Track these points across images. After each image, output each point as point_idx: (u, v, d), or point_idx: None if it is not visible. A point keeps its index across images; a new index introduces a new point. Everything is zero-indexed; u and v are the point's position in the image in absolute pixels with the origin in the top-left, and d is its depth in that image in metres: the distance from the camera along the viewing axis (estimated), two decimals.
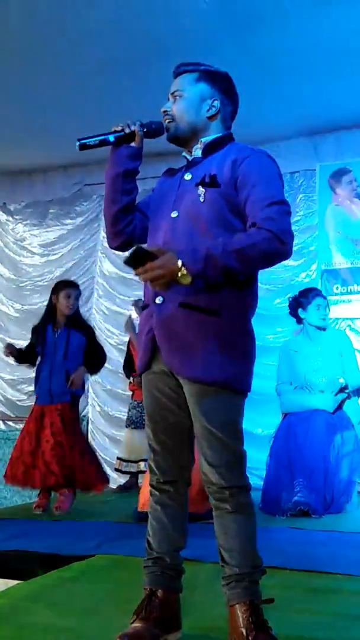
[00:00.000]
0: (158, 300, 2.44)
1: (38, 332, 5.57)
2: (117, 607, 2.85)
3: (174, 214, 2.48)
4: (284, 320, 6.28)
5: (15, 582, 3.51)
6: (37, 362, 5.60)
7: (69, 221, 8.31)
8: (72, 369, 5.49)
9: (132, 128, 2.55)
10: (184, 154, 2.65)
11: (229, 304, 2.42)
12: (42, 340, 5.53)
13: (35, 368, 5.63)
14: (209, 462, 2.39)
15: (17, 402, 8.22)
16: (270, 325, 6.63)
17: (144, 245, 2.36)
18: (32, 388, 7.94)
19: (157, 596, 2.45)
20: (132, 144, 2.57)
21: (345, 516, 5.11)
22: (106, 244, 7.62)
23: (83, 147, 2.53)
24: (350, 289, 6.63)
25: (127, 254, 2.29)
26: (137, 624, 2.38)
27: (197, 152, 2.58)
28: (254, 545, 2.41)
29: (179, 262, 2.25)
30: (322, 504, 5.06)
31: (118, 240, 2.65)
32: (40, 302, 7.38)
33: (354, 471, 5.36)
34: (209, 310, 2.39)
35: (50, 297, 5.64)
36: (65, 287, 5.65)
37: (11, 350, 5.60)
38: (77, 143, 2.53)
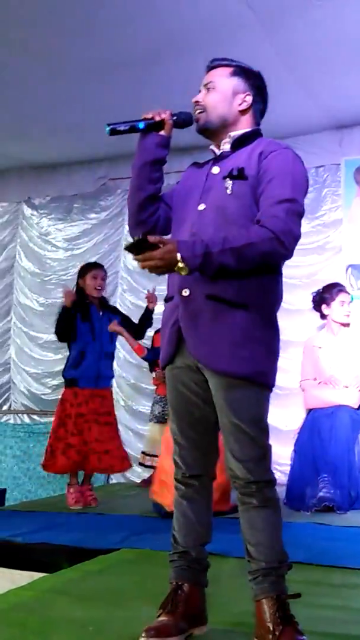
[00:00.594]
0: (184, 292, 2.43)
1: (85, 309, 5.50)
2: (142, 601, 2.85)
3: (201, 207, 2.48)
4: (308, 315, 6.26)
5: (41, 574, 3.54)
6: (78, 345, 5.52)
7: (93, 215, 8.32)
8: (114, 352, 5.64)
9: (163, 116, 2.52)
10: (211, 147, 2.64)
11: (256, 298, 2.42)
12: (89, 320, 5.49)
13: (72, 350, 5.57)
14: (235, 456, 2.39)
15: (42, 396, 8.25)
16: (293, 320, 6.60)
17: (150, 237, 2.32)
18: (56, 382, 8.04)
19: (183, 590, 2.46)
20: (162, 133, 2.55)
21: None
22: (131, 239, 7.73)
23: (113, 132, 2.49)
24: None
25: (129, 241, 2.30)
26: (163, 618, 2.39)
27: (226, 146, 2.58)
28: (280, 540, 2.41)
29: (178, 256, 2.26)
30: (347, 500, 5.04)
31: (141, 229, 2.62)
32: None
33: None
34: (237, 304, 2.39)
35: (77, 282, 5.62)
36: (92, 268, 5.66)
37: (70, 297, 5.49)
38: (107, 128, 2.49)
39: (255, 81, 2.61)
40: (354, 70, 5.77)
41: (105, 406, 5.52)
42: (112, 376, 5.75)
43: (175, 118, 2.54)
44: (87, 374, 5.48)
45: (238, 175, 2.46)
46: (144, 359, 6.39)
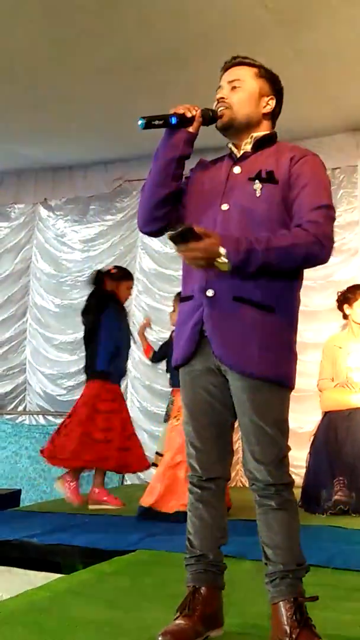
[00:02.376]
0: (209, 293, 2.41)
1: (122, 307, 5.68)
2: (158, 602, 2.85)
3: (224, 207, 2.46)
4: (324, 317, 6.25)
5: (57, 575, 3.54)
6: (114, 340, 5.57)
7: (109, 217, 8.33)
8: None
9: (194, 113, 2.49)
10: (229, 145, 2.61)
11: (282, 301, 2.43)
12: (127, 318, 5.72)
13: (109, 344, 5.58)
14: (256, 458, 2.39)
15: (57, 397, 8.27)
16: (309, 322, 6.58)
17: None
18: (71, 383, 8.06)
19: (200, 593, 2.46)
20: (190, 129, 2.51)
21: None
22: (146, 240, 7.77)
23: (148, 125, 2.44)
24: None
25: (174, 231, 2.26)
26: (180, 621, 2.39)
27: (247, 146, 2.56)
28: (298, 543, 2.41)
29: (222, 250, 2.26)
30: None
31: (155, 226, 2.62)
32: (79, 297, 7.40)
33: None
34: (265, 306, 2.39)
35: (105, 282, 5.70)
36: (130, 279, 5.81)
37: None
38: (142, 121, 2.43)
39: (277, 85, 2.62)
40: None
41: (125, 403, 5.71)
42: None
43: (204, 115, 2.51)
44: (120, 372, 5.63)
45: (267, 178, 2.45)
46: (150, 359, 6.39)
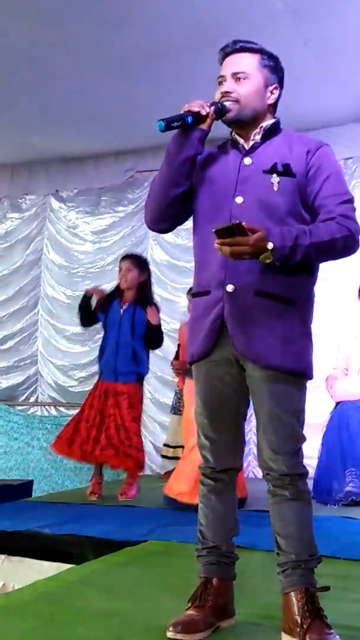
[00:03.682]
0: (229, 288, 2.39)
1: (103, 303, 5.48)
2: (169, 593, 2.86)
3: (238, 200, 2.44)
4: (332, 309, 6.23)
5: (68, 566, 3.55)
6: (102, 337, 5.55)
7: (120, 208, 8.32)
8: (139, 348, 5.43)
9: (207, 110, 2.44)
10: (235, 136, 2.57)
11: (302, 294, 2.45)
12: (105, 312, 5.47)
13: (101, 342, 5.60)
14: (273, 449, 2.39)
15: (69, 388, 8.28)
16: (320, 313, 6.53)
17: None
18: (83, 374, 8.08)
19: (212, 584, 2.46)
20: (203, 127, 2.47)
21: None
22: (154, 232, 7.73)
23: (167, 128, 2.39)
24: None
25: (224, 225, 2.25)
26: (191, 612, 2.39)
27: (257, 137, 2.52)
28: (311, 533, 2.40)
29: (270, 245, 2.26)
30: None
31: (167, 224, 2.61)
32: None
33: None
34: (287, 300, 2.40)
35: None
36: (120, 261, 5.63)
37: (99, 294, 5.52)
38: (162, 124, 2.38)
39: (280, 72, 2.57)
40: None
41: (120, 400, 5.39)
42: (135, 371, 5.47)
43: (216, 111, 2.46)
44: (106, 366, 5.46)
45: (285, 171, 2.43)
46: None
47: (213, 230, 2.26)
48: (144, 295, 5.51)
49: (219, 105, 2.47)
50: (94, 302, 5.50)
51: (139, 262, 5.60)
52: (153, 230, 2.69)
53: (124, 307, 5.45)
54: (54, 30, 5.45)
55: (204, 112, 2.43)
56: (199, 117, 2.43)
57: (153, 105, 6.46)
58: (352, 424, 5.25)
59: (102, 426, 5.30)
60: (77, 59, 5.85)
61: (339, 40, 5.46)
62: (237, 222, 2.23)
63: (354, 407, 5.32)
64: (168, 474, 6.49)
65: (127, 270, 5.47)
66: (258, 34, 2.60)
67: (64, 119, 7.08)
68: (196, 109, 2.43)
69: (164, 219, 2.59)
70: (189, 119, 2.42)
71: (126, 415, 5.34)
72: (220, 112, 2.47)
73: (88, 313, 5.52)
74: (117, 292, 5.52)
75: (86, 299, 5.52)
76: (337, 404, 5.47)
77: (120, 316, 5.43)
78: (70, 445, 5.31)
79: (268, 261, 2.28)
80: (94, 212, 8.47)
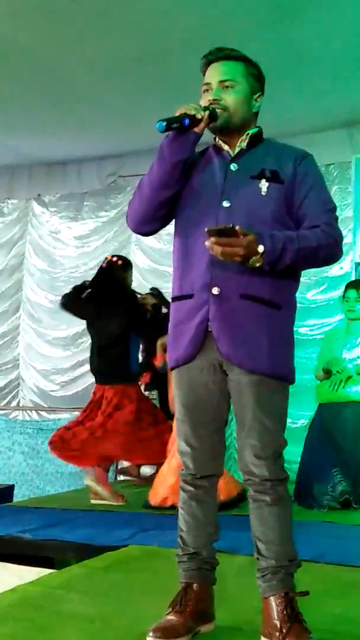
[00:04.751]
0: (215, 290, 2.39)
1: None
2: (150, 598, 2.85)
3: (225, 204, 2.44)
4: (316, 312, 6.27)
5: (49, 570, 3.54)
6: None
7: (103, 213, 8.32)
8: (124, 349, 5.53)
9: (202, 114, 2.42)
10: (219, 142, 2.57)
11: (287, 298, 2.47)
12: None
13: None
14: (255, 454, 2.39)
15: (50, 393, 8.27)
16: (303, 318, 6.59)
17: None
18: (64, 379, 8.10)
19: (192, 590, 2.46)
20: (196, 130, 2.44)
21: None
22: (141, 237, 7.75)
23: (167, 128, 2.37)
24: None
25: (217, 226, 2.26)
26: (171, 617, 2.40)
27: (243, 144, 2.53)
28: (291, 538, 2.41)
29: (261, 248, 2.27)
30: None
31: (150, 226, 2.60)
32: None
33: None
34: (272, 304, 2.41)
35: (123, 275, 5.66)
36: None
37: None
38: (162, 124, 2.35)
39: (263, 80, 2.58)
40: None
41: (106, 402, 5.43)
42: (110, 373, 5.50)
43: (210, 116, 2.45)
44: (93, 371, 5.60)
45: (273, 178, 2.45)
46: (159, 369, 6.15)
47: (206, 229, 2.26)
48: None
49: (211, 110, 2.46)
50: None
51: (129, 263, 5.80)
52: (136, 232, 2.66)
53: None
54: (37, 38, 5.45)
55: (199, 116, 2.41)
56: (195, 121, 2.42)
57: (135, 111, 6.50)
58: (333, 427, 5.27)
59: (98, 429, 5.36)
60: (60, 65, 5.84)
61: (319, 46, 5.49)
62: (232, 224, 2.23)
63: (335, 409, 5.33)
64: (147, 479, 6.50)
65: None
66: (238, 41, 2.61)
67: (47, 123, 7.08)
68: (193, 112, 2.41)
69: (150, 220, 2.57)
70: (186, 122, 2.40)
71: (120, 416, 5.42)
72: (211, 117, 2.45)
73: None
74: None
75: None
76: (319, 405, 5.49)
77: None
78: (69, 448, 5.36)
79: (257, 264, 2.29)
80: (77, 217, 8.47)
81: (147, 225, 2.60)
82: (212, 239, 2.25)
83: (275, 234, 2.34)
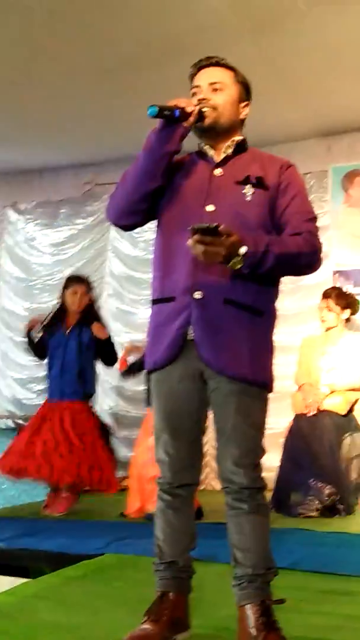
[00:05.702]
0: (197, 295, 2.39)
1: (50, 330, 5.53)
2: (125, 606, 2.85)
3: (209, 208, 2.45)
4: (293, 320, 6.27)
5: (23, 580, 3.51)
6: (47, 360, 5.59)
7: (79, 221, 8.30)
8: (86, 366, 5.51)
9: (193, 108, 2.43)
10: (204, 148, 2.58)
11: (269, 305, 2.48)
12: (52, 335, 5.52)
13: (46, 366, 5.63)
14: (235, 462, 2.39)
15: (26, 401, 8.21)
16: (280, 325, 6.58)
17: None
18: (41, 387, 8.00)
19: (168, 598, 2.45)
20: (185, 124, 2.45)
21: (355, 518, 5.09)
22: (116, 244, 7.75)
23: (158, 114, 2.36)
24: None
25: (202, 225, 2.24)
26: (147, 626, 2.38)
27: (229, 150, 2.55)
28: (268, 546, 2.42)
29: (242, 250, 2.27)
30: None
31: (133, 219, 2.58)
32: (49, 301, 7.36)
33: None
34: (256, 310, 2.41)
35: (62, 293, 5.61)
36: (72, 283, 5.63)
37: (34, 324, 5.58)
38: (154, 109, 2.34)
39: (250, 92, 2.62)
40: (342, 78, 5.79)
41: (66, 421, 5.40)
42: (81, 390, 5.56)
43: (199, 112, 2.46)
44: (52, 388, 5.54)
45: (258, 184, 2.47)
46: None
47: (190, 227, 2.24)
48: (90, 314, 5.60)
49: (200, 109, 2.47)
50: (37, 331, 5.59)
51: (89, 285, 5.73)
52: (116, 224, 2.63)
53: (69, 330, 5.52)
54: (12, 45, 5.43)
55: (189, 109, 2.42)
56: (185, 114, 2.42)
57: (112, 119, 6.50)
58: (309, 436, 5.28)
59: (59, 447, 5.28)
60: (35, 72, 5.82)
61: (298, 56, 5.52)
62: (216, 224, 2.22)
63: (310, 419, 5.35)
64: None
65: (83, 294, 5.59)
66: (216, 49, 2.62)
67: (24, 131, 7.05)
68: (183, 105, 2.41)
69: (131, 213, 2.56)
70: (177, 112, 2.40)
71: (70, 430, 5.36)
72: (200, 115, 2.46)
73: (35, 346, 5.65)
74: (60, 314, 5.57)
75: (28, 335, 5.64)
76: (295, 415, 5.50)
77: (66, 338, 5.50)
78: (25, 462, 5.26)
79: (238, 266, 2.29)
80: (53, 225, 8.44)
81: (127, 218, 2.58)
82: (195, 236, 2.23)
83: (258, 236, 2.35)
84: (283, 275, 2.52)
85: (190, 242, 2.25)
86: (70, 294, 5.55)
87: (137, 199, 2.51)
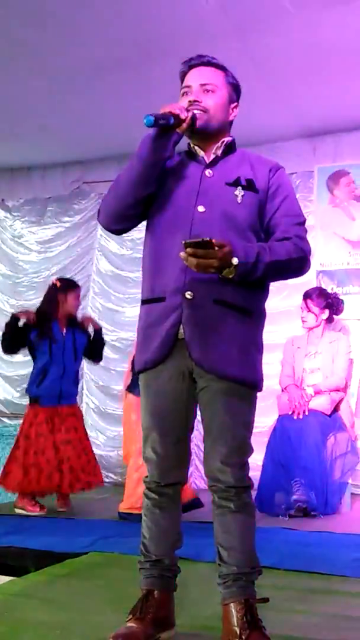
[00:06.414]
0: (188, 295, 2.40)
1: (45, 327, 5.39)
2: (110, 605, 2.86)
3: (200, 209, 2.46)
4: (278, 320, 6.30)
5: (9, 578, 3.52)
6: (40, 362, 5.45)
7: (66, 219, 8.28)
8: (79, 370, 5.62)
9: (186, 114, 2.43)
10: (195, 148, 2.58)
11: (259, 305, 2.51)
12: (47, 337, 5.38)
13: (36, 367, 5.48)
14: (222, 460, 2.41)
15: (12, 399, 8.20)
16: (265, 324, 6.60)
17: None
18: (25, 385, 7.98)
19: (153, 597, 2.47)
20: (178, 130, 2.45)
21: (338, 517, 5.12)
22: (104, 242, 7.75)
23: (154, 124, 2.35)
24: (346, 290, 6.62)
25: (196, 239, 2.25)
26: (132, 624, 2.40)
27: (218, 151, 2.56)
28: (253, 545, 2.44)
29: (235, 260, 2.29)
30: (321, 503, 5.08)
31: (123, 225, 2.59)
32: (35, 298, 7.34)
33: (347, 473, 5.38)
34: (245, 310, 2.44)
35: (56, 294, 5.50)
36: (75, 287, 5.63)
37: (28, 315, 5.43)
38: (150, 120, 2.33)
39: (239, 93, 2.64)
40: (328, 78, 5.80)
41: (69, 422, 5.42)
42: (76, 393, 5.66)
43: (192, 118, 2.46)
44: (50, 391, 5.39)
45: (248, 186, 2.48)
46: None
47: (183, 242, 2.26)
48: (75, 317, 5.62)
49: (192, 113, 2.47)
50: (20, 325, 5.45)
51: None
52: (107, 229, 2.64)
53: (64, 331, 5.47)
54: (2, 40, 5.43)
55: (183, 116, 2.42)
56: (179, 121, 2.42)
57: (101, 117, 6.50)
58: (293, 436, 5.30)
59: (60, 455, 5.27)
60: (24, 68, 5.82)
61: (284, 56, 5.53)
62: (208, 238, 2.24)
63: (294, 419, 5.37)
64: None
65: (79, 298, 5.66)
66: (202, 50, 2.63)
67: (11, 128, 7.04)
68: (177, 112, 2.41)
69: (124, 218, 2.57)
70: (172, 120, 2.40)
71: (83, 436, 5.46)
72: (192, 120, 2.46)
73: (16, 337, 5.44)
74: (52, 316, 5.47)
75: (15, 320, 5.42)
76: (279, 415, 5.53)
77: (64, 340, 5.44)
78: (25, 478, 5.21)
79: (230, 276, 2.32)
80: (40, 222, 8.42)
81: (119, 223, 2.59)
82: (188, 250, 2.25)
83: (248, 245, 2.38)
84: (273, 281, 2.55)
85: (182, 254, 2.28)
86: (74, 297, 5.54)
87: (131, 204, 2.52)
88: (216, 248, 2.26)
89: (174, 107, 2.43)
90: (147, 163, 2.46)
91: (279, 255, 2.41)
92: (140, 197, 2.51)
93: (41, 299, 5.66)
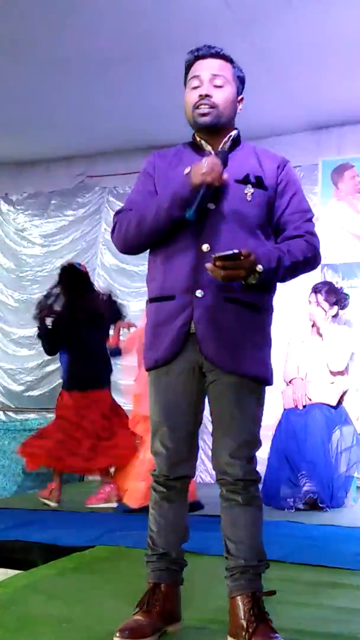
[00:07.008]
0: (199, 293, 2.40)
1: (65, 323, 5.50)
2: (117, 598, 2.86)
3: (210, 206, 2.44)
4: (282, 313, 6.30)
5: (16, 572, 3.52)
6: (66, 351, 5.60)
7: (70, 212, 8.30)
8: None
9: (221, 181, 2.39)
10: (202, 142, 2.56)
11: (267, 300, 2.51)
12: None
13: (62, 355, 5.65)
14: (231, 454, 2.41)
15: (17, 393, 8.22)
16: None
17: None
18: (30, 378, 8.04)
19: (160, 590, 2.47)
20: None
21: (344, 511, 5.13)
22: (107, 237, 7.73)
23: (197, 211, 2.34)
24: (351, 284, 6.62)
25: (225, 253, 2.24)
26: (138, 617, 2.40)
27: (225, 146, 2.54)
28: (260, 539, 2.44)
29: (260, 268, 2.30)
30: (327, 496, 5.09)
31: (140, 250, 2.61)
32: (39, 292, 7.33)
33: (352, 466, 5.38)
34: (255, 307, 2.44)
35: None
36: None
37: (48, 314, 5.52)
38: (194, 216, 2.33)
39: (244, 85, 2.62)
40: (332, 71, 5.81)
41: (99, 407, 5.48)
42: (104, 378, 5.64)
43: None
44: (78, 378, 5.51)
45: (257, 184, 2.48)
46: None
47: (213, 256, 2.26)
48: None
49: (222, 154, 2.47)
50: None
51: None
52: (126, 253, 2.65)
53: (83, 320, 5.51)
54: (4, 34, 5.42)
55: (217, 184, 2.40)
56: (211, 188, 2.40)
57: (105, 111, 6.49)
58: (299, 429, 5.31)
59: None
60: (28, 62, 5.82)
61: (289, 50, 5.53)
62: (237, 251, 2.24)
63: (300, 413, 5.38)
64: None
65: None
66: (207, 41, 2.61)
67: (16, 122, 7.04)
68: (210, 180, 2.38)
69: (142, 246, 2.58)
70: (208, 196, 2.40)
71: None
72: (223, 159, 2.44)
73: (51, 337, 5.58)
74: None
75: (43, 325, 5.53)
76: (284, 409, 5.53)
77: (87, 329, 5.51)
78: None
79: (253, 282, 2.33)
80: (44, 216, 8.44)
81: (137, 251, 2.61)
82: (218, 263, 2.25)
83: (269, 251, 2.39)
84: (289, 280, 2.52)
85: (209, 266, 2.27)
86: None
87: (150, 242, 2.54)
88: (242, 257, 2.26)
89: (214, 177, 2.38)
90: (167, 218, 2.44)
91: (297, 257, 2.43)
92: (158, 238, 2.50)
93: (44, 292, 5.69)
